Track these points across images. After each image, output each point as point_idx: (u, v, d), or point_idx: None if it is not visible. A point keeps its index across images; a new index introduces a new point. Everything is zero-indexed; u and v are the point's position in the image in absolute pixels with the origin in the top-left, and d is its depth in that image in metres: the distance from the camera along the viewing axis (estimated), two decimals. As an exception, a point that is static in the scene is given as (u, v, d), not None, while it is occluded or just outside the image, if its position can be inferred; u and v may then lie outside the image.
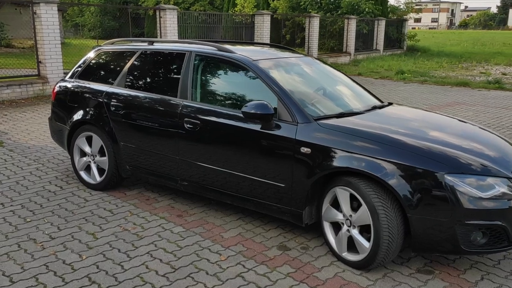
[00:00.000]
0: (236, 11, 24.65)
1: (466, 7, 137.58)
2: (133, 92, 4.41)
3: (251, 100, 3.68)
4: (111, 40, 5.07)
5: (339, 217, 3.35)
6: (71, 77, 5.01)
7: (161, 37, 12.83)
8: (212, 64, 4.17)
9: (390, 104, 4.31)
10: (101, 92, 4.59)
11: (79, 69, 4.97)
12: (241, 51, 4.06)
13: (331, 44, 21.63)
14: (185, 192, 4.59)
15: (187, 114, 3.97)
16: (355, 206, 3.25)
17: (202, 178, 3.99)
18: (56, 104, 5.04)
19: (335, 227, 3.46)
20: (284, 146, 3.48)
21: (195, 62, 4.12)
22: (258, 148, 3.62)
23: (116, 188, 4.75)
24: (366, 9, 23.02)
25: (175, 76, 4.24)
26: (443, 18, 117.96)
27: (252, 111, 3.49)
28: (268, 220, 4.07)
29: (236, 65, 3.95)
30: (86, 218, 4.05)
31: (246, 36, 17.78)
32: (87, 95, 4.72)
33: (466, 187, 2.94)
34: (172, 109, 4.08)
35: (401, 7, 26.30)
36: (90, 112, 4.63)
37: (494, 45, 35.89)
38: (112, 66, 4.82)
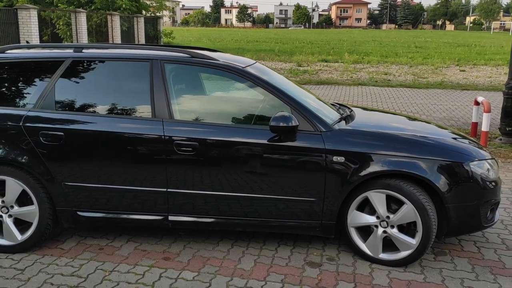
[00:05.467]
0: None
1: (183, 5, 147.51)
2: (78, 116, 3.33)
3: (248, 112, 3.39)
4: (1, 47, 3.63)
5: (372, 220, 3.37)
6: None
7: None
8: (191, 75, 3.53)
9: (341, 104, 4.44)
10: (17, 118, 3.31)
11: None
12: (218, 58, 3.55)
13: (95, 42, 20.30)
14: (140, 229, 3.78)
15: (177, 136, 3.27)
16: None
17: (203, 209, 3.37)
18: None
19: (360, 231, 3.47)
20: (312, 158, 3.27)
21: (167, 72, 3.40)
22: (279, 164, 3.29)
23: (43, 244, 3.55)
24: (123, 6, 22.48)
25: (139, 90, 3.40)
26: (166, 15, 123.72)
27: (275, 124, 3.17)
28: (264, 238, 3.74)
29: (222, 75, 3.46)
30: (55, 294, 2.94)
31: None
32: (-10, 123, 3.34)
33: (483, 171, 3.38)
34: (150, 132, 3.28)
35: (154, 4, 26.61)
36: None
37: (239, 41, 39.64)
38: (21, 82, 3.50)
